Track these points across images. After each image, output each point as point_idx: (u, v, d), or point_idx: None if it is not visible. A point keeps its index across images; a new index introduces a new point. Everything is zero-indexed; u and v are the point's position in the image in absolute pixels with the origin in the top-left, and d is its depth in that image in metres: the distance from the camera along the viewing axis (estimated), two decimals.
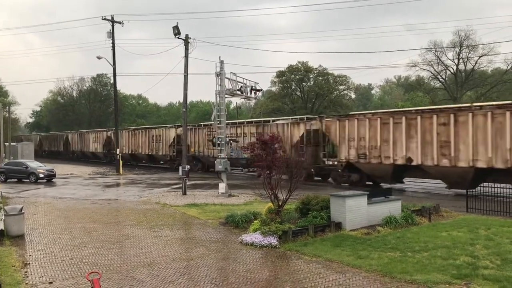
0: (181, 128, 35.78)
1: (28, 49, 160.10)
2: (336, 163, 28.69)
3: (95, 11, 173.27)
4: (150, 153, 48.53)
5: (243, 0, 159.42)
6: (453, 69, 61.12)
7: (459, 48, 58.08)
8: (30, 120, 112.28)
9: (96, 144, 59.74)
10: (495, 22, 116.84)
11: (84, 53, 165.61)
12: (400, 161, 24.50)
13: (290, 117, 38.06)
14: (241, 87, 25.28)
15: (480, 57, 57.32)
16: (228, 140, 25.30)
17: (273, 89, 75.46)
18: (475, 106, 23.03)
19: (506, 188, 16.91)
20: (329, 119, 29.98)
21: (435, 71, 62.01)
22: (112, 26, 42.42)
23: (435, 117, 23.12)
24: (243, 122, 38.82)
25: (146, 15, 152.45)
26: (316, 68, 71.13)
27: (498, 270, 9.72)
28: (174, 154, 44.54)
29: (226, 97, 24.74)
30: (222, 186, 23.63)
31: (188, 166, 25.21)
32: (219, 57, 23.92)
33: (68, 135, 68.93)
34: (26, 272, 10.30)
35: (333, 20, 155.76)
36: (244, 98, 27.19)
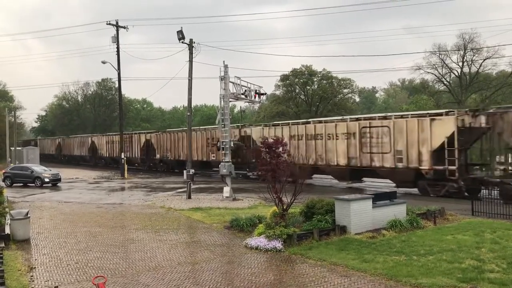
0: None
1: (29, 54, 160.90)
2: None
3: (94, 16, 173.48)
4: None
5: (242, 4, 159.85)
6: (457, 72, 60.83)
7: (464, 51, 57.81)
8: (36, 124, 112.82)
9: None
10: (499, 25, 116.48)
11: (86, 57, 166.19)
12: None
13: None
14: (245, 91, 25.30)
15: (484, 59, 57.00)
16: (232, 144, 25.30)
17: (277, 92, 75.43)
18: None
19: None
20: None
21: (440, 74, 61.74)
22: (117, 31, 42.55)
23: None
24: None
25: (142, 20, 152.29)
26: (320, 72, 71.13)
27: (504, 273, 9.69)
28: None
29: (230, 101, 24.78)
30: (227, 190, 23.63)
31: (193, 170, 25.22)
32: (223, 61, 23.94)
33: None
34: (32, 276, 10.35)
35: (335, 23, 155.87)
36: (248, 102, 27.23)
